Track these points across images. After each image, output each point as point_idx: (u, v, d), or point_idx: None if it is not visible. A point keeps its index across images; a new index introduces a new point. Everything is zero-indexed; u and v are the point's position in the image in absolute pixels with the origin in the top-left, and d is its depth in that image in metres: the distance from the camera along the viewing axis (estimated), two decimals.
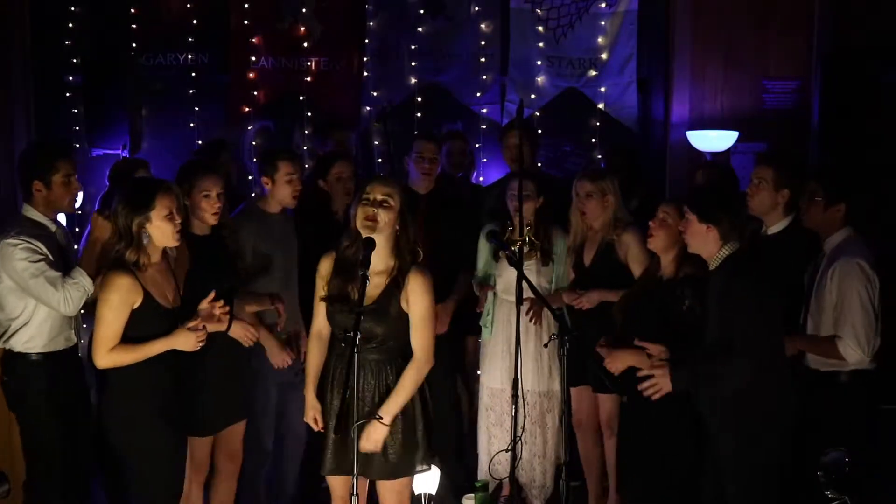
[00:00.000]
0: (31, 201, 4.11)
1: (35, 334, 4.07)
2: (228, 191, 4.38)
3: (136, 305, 3.51)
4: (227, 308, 3.74)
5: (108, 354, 3.50)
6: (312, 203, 4.88)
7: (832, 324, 3.88)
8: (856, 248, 3.93)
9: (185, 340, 3.59)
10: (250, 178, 6.32)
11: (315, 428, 3.64)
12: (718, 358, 3.54)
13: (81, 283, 3.93)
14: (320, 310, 3.68)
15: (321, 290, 3.66)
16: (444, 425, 5.20)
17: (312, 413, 3.64)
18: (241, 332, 4.07)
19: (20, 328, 4.06)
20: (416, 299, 3.54)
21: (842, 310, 3.84)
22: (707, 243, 3.64)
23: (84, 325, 4.55)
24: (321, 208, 4.88)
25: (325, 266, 3.66)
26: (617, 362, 3.88)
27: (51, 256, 3.99)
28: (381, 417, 3.51)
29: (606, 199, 4.60)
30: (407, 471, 3.66)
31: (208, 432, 4.14)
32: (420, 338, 3.57)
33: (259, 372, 4.45)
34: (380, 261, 3.55)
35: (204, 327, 3.64)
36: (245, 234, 4.37)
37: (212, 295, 3.69)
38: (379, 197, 3.49)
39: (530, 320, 4.69)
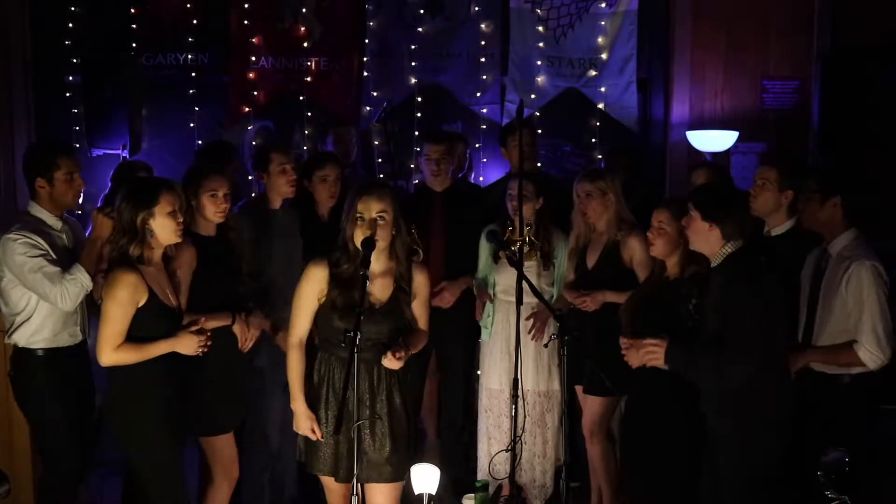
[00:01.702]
0: (36, 199, 4.16)
1: (39, 329, 4.11)
2: (232, 197, 4.39)
3: (141, 303, 3.53)
4: (208, 334, 3.71)
5: (112, 352, 3.51)
6: (298, 202, 4.89)
7: (851, 328, 3.84)
8: (867, 250, 3.89)
9: (188, 344, 3.60)
10: (250, 178, 6.33)
11: (313, 437, 3.62)
12: (716, 352, 3.54)
13: (79, 280, 3.96)
14: (305, 318, 3.65)
15: (309, 298, 3.62)
16: (453, 428, 5.25)
17: (309, 424, 3.62)
18: (241, 332, 4.10)
19: (23, 323, 4.11)
20: (421, 289, 3.70)
21: (861, 314, 3.80)
22: (709, 241, 3.64)
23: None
24: (306, 208, 4.87)
25: (319, 276, 3.60)
26: (633, 359, 3.85)
27: (51, 253, 4.02)
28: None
29: (607, 197, 4.59)
30: (404, 474, 3.71)
31: (228, 429, 4.12)
32: (426, 318, 3.75)
33: (263, 372, 4.45)
34: (379, 264, 3.61)
35: (206, 335, 3.66)
36: (246, 228, 4.38)
37: (199, 325, 3.69)
38: (374, 216, 3.51)
39: (532, 338, 4.70)
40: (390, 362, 3.50)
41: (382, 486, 3.65)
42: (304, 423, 3.63)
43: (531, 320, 4.74)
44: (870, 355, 3.79)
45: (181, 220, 3.65)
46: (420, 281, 3.68)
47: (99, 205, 5.38)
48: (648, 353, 3.66)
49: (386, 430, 3.60)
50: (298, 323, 3.66)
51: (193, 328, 3.63)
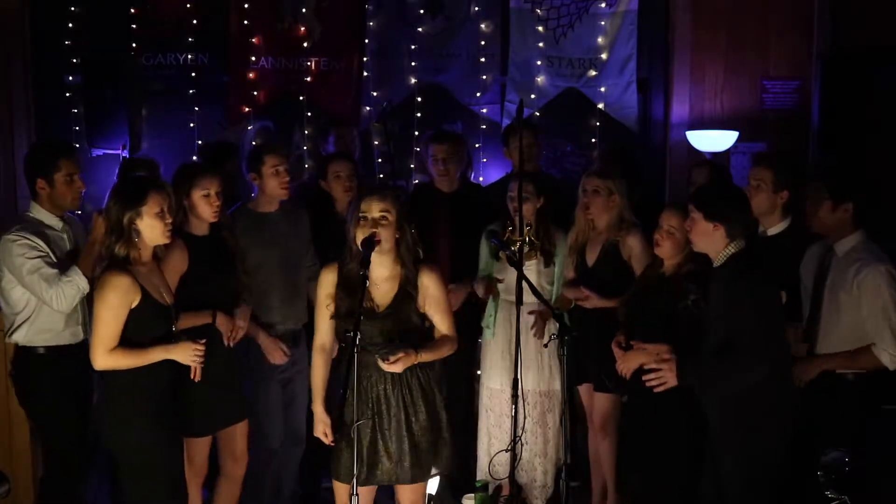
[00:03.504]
0: (37, 200, 4.17)
1: (39, 329, 4.12)
2: (230, 193, 4.38)
3: (134, 304, 3.51)
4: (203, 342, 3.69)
5: (106, 356, 3.49)
6: (315, 203, 4.90)
7: (869, 331, 3.83)
8: (876, 252, 3.89)
9: (184, 353, 3.59)
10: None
11: (326, 441, 3.62)
12: (726, 358, 3.53)
13: (76, 282, 3.96)
14: (324, 323, 3.69)
15: (324, 304, 3.66)
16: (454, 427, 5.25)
17: (322, 427, 3.62)
18: (225, 327, 4.08)
19: (24, 322, 4.12)
20: (434, 292, 3.64)
21: (877, 317, 3.79)
22: (713, 242, 3.63)
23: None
24: (324, 209, 4.89)
25: (328, 280, 3.64)
26: (630, 363, 3.87)
27: (51, 255, 4.03)
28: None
29: (612, 198, 4.60)
30: (429, 474, 3.70)
31: (205, 433, 4.13)
32: (446, 323, 3.69)
33: (259, 371, 4.45)
34: (384, 268, 3.61)
35: (202, 343, 3.65)
36: (239, 236, 4.36)
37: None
38: (376, 215, 3.52)
39: (535, 335, 4.71)
40: (385, 366, 3.49)
41: (405, 487, 3.66)
42: (318, 426, 3.64)
43: (534, 315, 4.74)
44: (886, 357, 3.78)
45: (169, 220, 3.63)
46: (431, 285, 3.62)
47: (104, 203, 5.39)
48: (658, 379, 3.65)
49: (404, 432, 3.60)
50: (318, 328, 3.71)
51: (195, 345, 3.62)
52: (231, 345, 4.13)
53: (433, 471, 3.72)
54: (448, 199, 5.16)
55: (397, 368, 3.50)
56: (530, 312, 4.69)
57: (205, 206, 4.10)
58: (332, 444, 3.60)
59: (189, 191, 4.09)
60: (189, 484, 4.04)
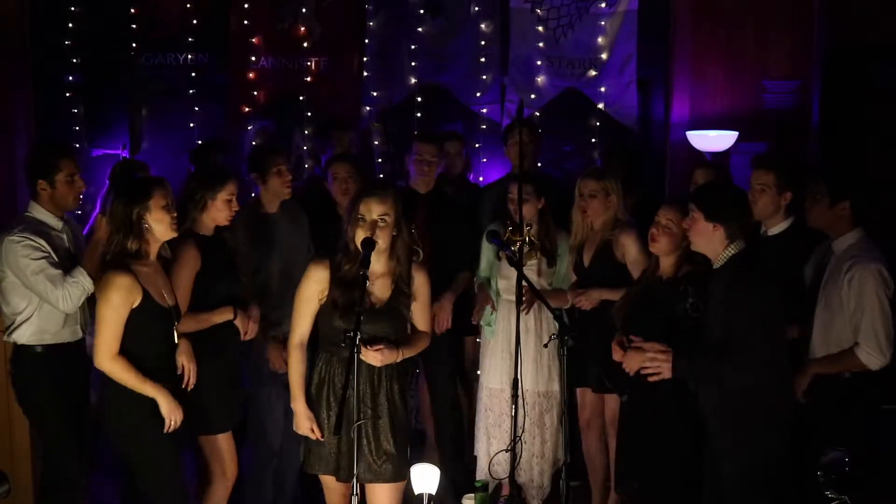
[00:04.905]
0: (37, 200, 4.18)
1: (40, 328, 4.13)
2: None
3: (135, 304, 3.53)
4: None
5: (110, 361, 3.52)
6: (320, 205, 4.90)
7: (851, 329, 3.84)
8: (871, 251, 3.89)
9: (167, 404, 3.57)
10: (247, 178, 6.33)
11: (313, 437, 3.62)
12: (719, 356, 3.53)
13: (81, 283, 3.98)
14: (306, 318, 3.65)
15: (314, 299, 3.62)
16: (445, 425, 5.24)
17: (308, 424, 3.61)
18: (242, 324, 4.12)
19: (24, 322, 4.12)
20: (421, 290, 3.70)
21: (862, 316, 3.80)
22: (712, 242, 3.61)
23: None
24: (328, 210, 4.89)
25: (319, 275, 3.61)
26: (632, 363, 3.86)
27: (53, 254, 4.05)
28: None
29: (610, 198, 4.61)
30: (406, 474, 3.71)
31: (227, 428, 4.12)
32: (425, 319, 3.77)
33: (262, 371, 4.46)
34: (381, 265, 3.61)
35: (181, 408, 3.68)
36: (241, 237, 4.38)
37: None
38: (375, 217, 3.51)
39: (523, 310, 4.68)
40: (365, 356, 3.48)
41: (384, 487, 3.65)
42: (303, 423, 3.63)
43: (524, 305, 4.72)
44: (869, 357, 3.79)
45: (175, 214, 3.68)
46: (420, 282, 3.68)
47: (98, 205, 5.40)
48: (653, 365, 3.65)
49: (388, 430, 3.60)
50: (300, 324, 3.66)
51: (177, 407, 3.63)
52: (246, 339, 4.17)
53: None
54: (424, 201, 5.11)
55: (377, 358, 3.49)
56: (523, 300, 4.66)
57: (226, 210, 4.12)
58: (321, 440, 3.59)
59: (216, 193, 4.09)
60: (218, 485, 4.06)
